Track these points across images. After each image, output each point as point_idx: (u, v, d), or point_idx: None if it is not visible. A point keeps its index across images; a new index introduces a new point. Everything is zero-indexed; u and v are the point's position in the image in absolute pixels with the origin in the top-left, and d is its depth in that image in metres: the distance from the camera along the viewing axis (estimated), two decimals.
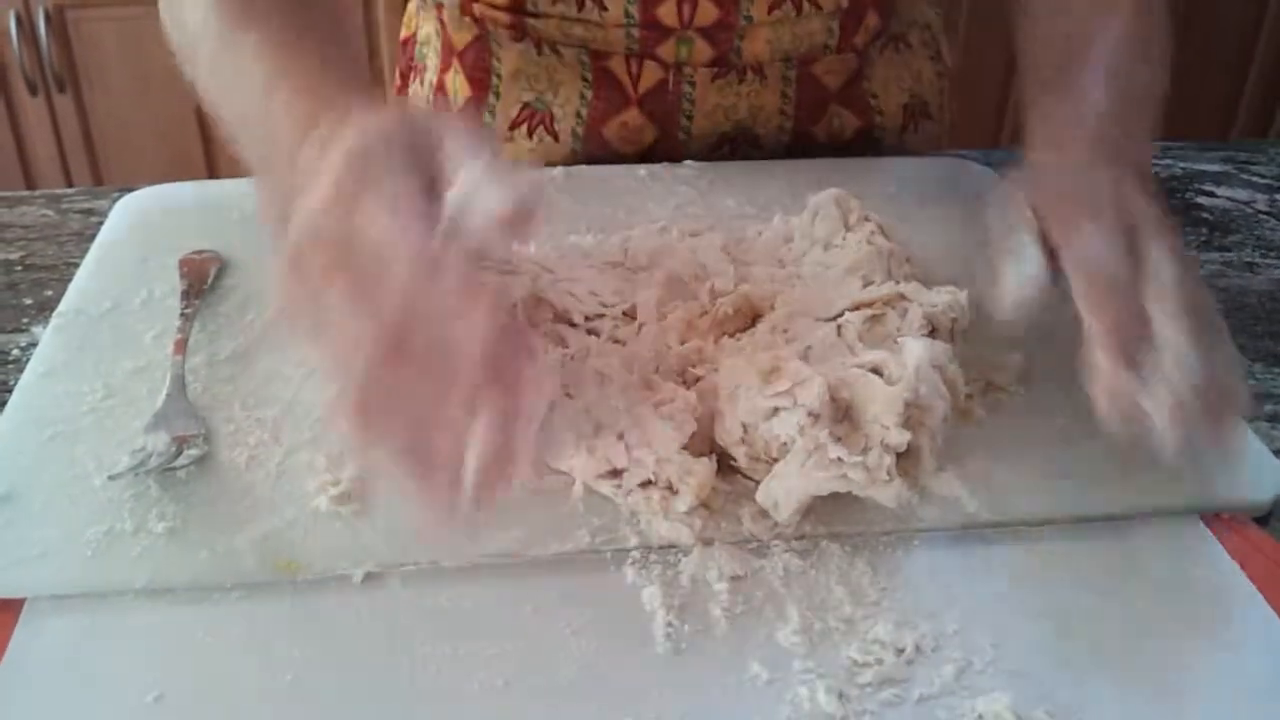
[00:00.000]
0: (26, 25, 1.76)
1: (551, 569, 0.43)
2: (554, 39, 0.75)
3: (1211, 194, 0.77)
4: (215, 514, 0.44)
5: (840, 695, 0.38)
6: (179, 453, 0.46)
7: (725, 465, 0.47)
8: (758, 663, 0.39)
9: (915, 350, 0.46)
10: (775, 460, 0.45)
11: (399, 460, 0.38)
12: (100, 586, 0.42)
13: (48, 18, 1.76)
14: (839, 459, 0.43)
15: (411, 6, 0.87)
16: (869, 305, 0.51)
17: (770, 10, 0.72)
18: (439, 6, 0.80)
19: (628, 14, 0.72)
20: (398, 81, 0.87)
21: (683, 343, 0.51)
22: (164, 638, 0.40)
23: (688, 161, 0.73)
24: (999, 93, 2.03)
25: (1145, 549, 0.45)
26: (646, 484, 0.45)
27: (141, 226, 0.66)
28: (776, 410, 0.45)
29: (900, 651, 0.40)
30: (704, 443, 0.47)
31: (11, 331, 0.59)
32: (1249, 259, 0.69)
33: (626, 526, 0.44)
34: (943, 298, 0.51)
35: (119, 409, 0.50)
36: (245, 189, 0.73)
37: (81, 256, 0.63)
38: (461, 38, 0.78)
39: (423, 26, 0.84)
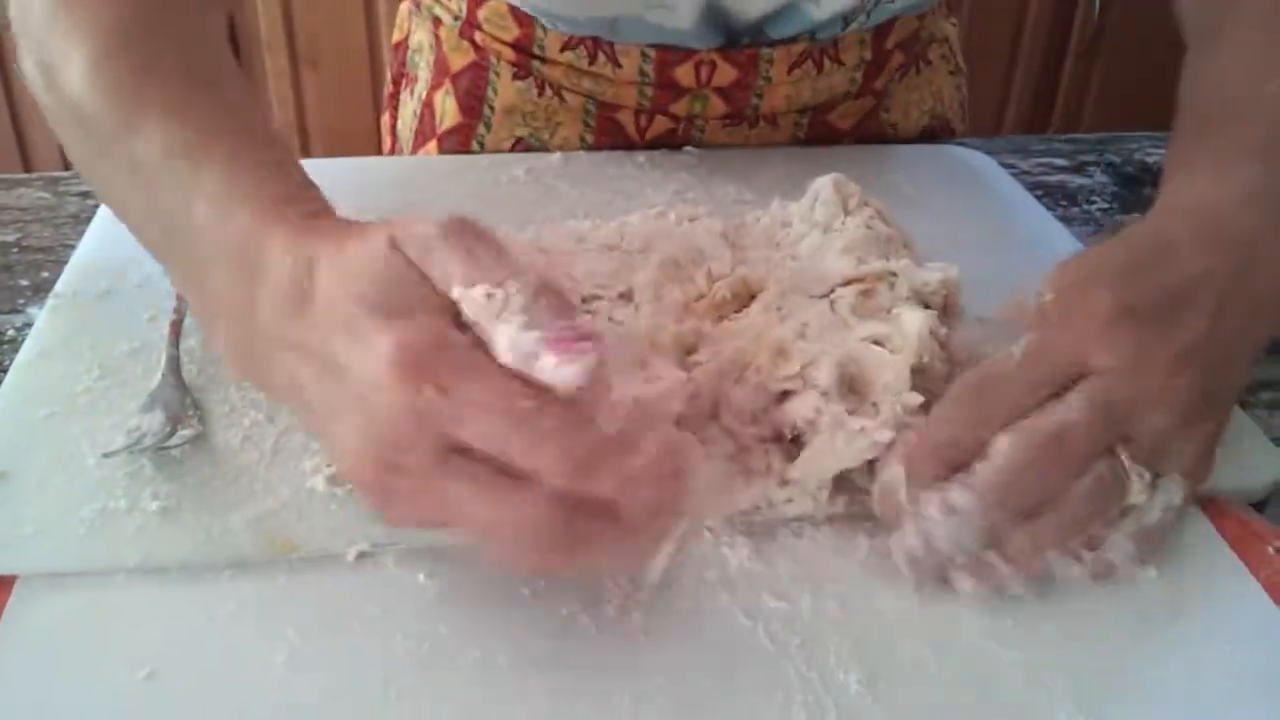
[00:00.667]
0: None
1: None
2: (559, 84, 0.72)
3: None
4: (209, 493, 0.44)
5: (868, 679, 0.38)
6: (173, 432, 0.46)
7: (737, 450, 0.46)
8: (768, 638, 0.39)
9: (915, 319, 0.46)
10: (791, 441, 0.45)
11: None
12: (93, 565, 0.41)
13: None
14: (862, 428, 0.43)
15: (404, 9, 0.84)
16: (860, 281, 0.51)
17: (790, 70, 0.70)
18: (436, 21, 0.76)
19: (642, 73, 0.69)
20: (390, 88, 0.85)
21: (679, 324, 0.51)
22: (157, 616, 0.40)
23: (687, 148, 0.73)
24: (1000, 81, 2.02)
25: None
26: None
27: None
28: (787, 394, 0.45)
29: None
30: (698, 423, 0.47)
31: (7, 313, 0.59)
32: None
33: None
34: (934, 275, 0.51)
35: (114, 389, 0.50)
36: None
37: (78, 239, 0.63)
38: (458, 60, 0.75)
39: (415, 33, 0.81)
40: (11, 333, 0.57)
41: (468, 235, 0.37)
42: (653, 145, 0.73)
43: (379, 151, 0.90)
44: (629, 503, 0.34)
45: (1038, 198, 0.71)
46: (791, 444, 0.46)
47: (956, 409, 0.41)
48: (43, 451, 0.46)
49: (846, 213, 0.58)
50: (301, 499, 0.44)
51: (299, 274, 0.37)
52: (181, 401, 0.48)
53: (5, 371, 0.52)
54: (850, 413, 0.44)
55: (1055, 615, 0.41)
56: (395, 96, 0.84)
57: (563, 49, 0.69)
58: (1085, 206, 0.74)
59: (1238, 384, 0.45)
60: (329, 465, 0.45)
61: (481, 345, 0.35)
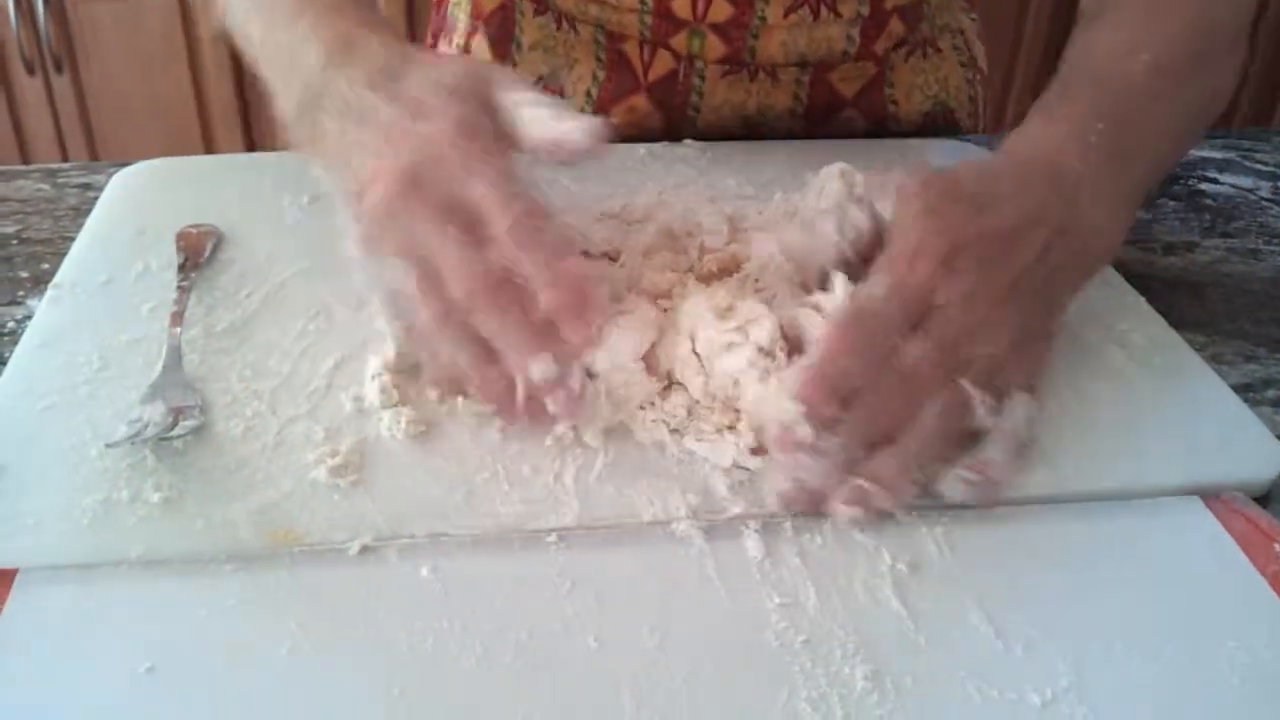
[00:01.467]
0: (24, 5, 1.75)
1: (551, 543, 0.43)
2: (572, 15, 0.75)
3: (1215, 181, 0.77)
4: (212, 484, 0.44)
5: (875, 674, 0.38)
6: (175, 423, 0.46)
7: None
8: (773, 635, 0.39)
9: (840, 281, 0.48)
10: (731, 397, 0.47)
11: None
12: (95, 557, 0.41)
13: None
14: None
15: None
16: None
17: (786, 14, 0.71)
18: None
19: (642, 1, 0.71)
20: (429, 40, 0.88)
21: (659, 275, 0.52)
22: (159, 609, 0.40)
23: (687, 140, 0.73)
24: (1003, 77, 2.02)
25: (1144, 529, 0.45)
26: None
27: (138, 200, 0.65)
28: (730, 345, 0.46)
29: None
30: (658, 369, 0.48)
31: (7, 304, 0.59)
32: (1252, 246, 0.69)
33: (630, 503, 0.44)
34: None
35: (115, 380, 0.50)
36: (242, 163, 0.72)
37: (78, 230, 0.62)
38: (488, 3, 0.79)
39: None
40: (11, 324, 0.57)
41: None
42: (657, 89, 0.74)
43: None
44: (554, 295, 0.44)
45: None
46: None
47: (844, 352, 0.45)
48: (44, 443, 0.46)
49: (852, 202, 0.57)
50: (304, 490, 0.44)
51: (393, 64, 0.49)
52: (183, 392, 0.48)
53: (5, 363, 0.51)
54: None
55: (1061, 613, 0.41)
56: (433, 48, 0.87)
57: None
58: None
59: (1059, 313, 0.51)
60: (331, 456, 0.45)
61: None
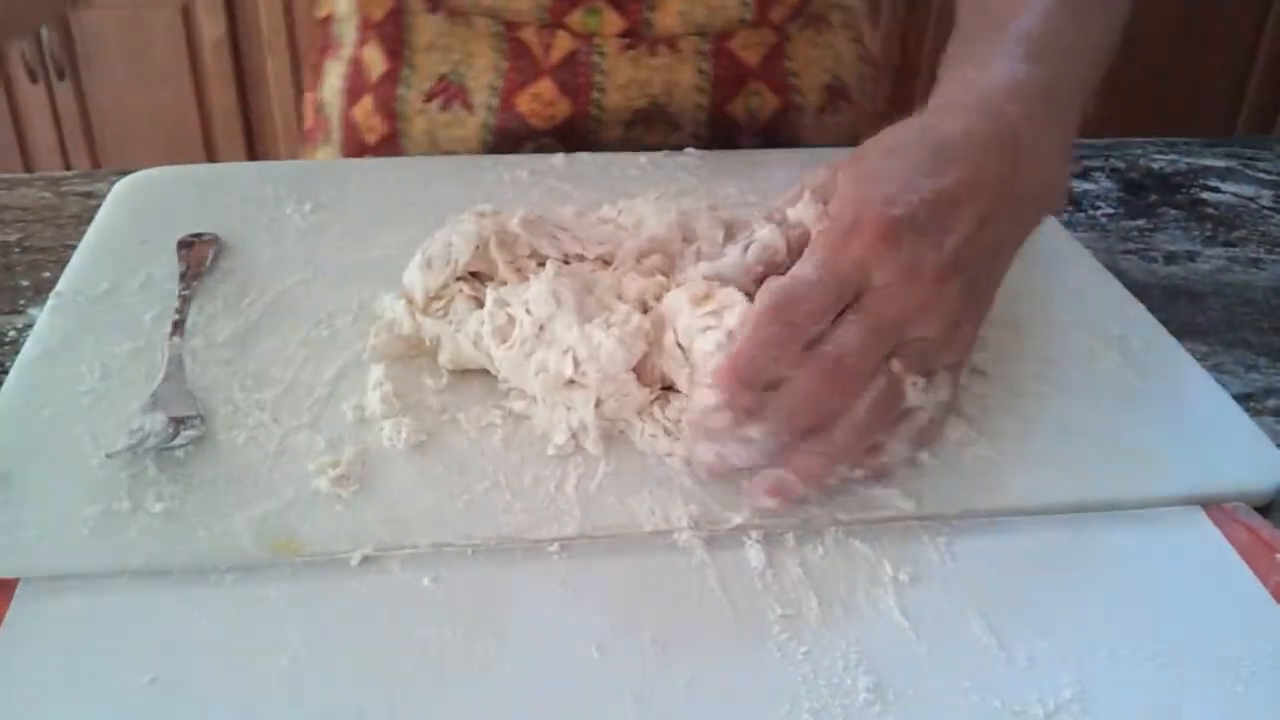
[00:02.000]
0: None
1: (553, 553, 0.43)
2: (466, 9, 0.74)
3: (1216, 190, 0.77)
4: (213, 494, 0.44)
5: (877, 685, 0.38)
6: (177, 433, 0.46)
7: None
8: (775, 646, 0.39)
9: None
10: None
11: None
12: (96, 567, 0.41)
13: None
14: None
15: None
16: None
17: None
18: None
19: None
20: (313, 58, 0.86)
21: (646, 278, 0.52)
22: (160, 620, 0.40)
23: (688, 150, 0.73)
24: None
25: (1146, 539, 0.45)
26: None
27: (140, 208, 0.65)
28: (706, 330, 0.46)
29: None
30: (651, 376, 0.48)
31: (8, 313, 0.59)
32: (1254, 255, 0.69)
33: (631, 513, 0.44)
34: None
35: (116, 390, 0.50)
36: (244, 172, 0.73)
37: (79, 239, 0.62)
38: (377, 9, 0.78)
39: (340, 3, 0.83)
40: (13, 333, 0.57)
41: None
42: (559, 72, 0.74)
43: (300, 132, 0.90)
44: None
45: None
46: None
47: (763, 337, 0.43)
48: (45, 453, 0.46)
49: None
50: (306, 499, 0.44)
51: None
52: (184, 402, 0.48)
53: (6, 372, 0.51)
54: None
55: (1063, 623, 0.41)
56: (318, 68, 0.85)
57: None
58: (1090, 212, 0.74)
59: (998, 280, 0.48)
60: (333, 466, 0.45)
61: None
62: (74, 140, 1.89)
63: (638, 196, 0.60)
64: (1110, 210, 0.74)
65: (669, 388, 0.49)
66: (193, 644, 0.39)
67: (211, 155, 1.91)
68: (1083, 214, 0.73)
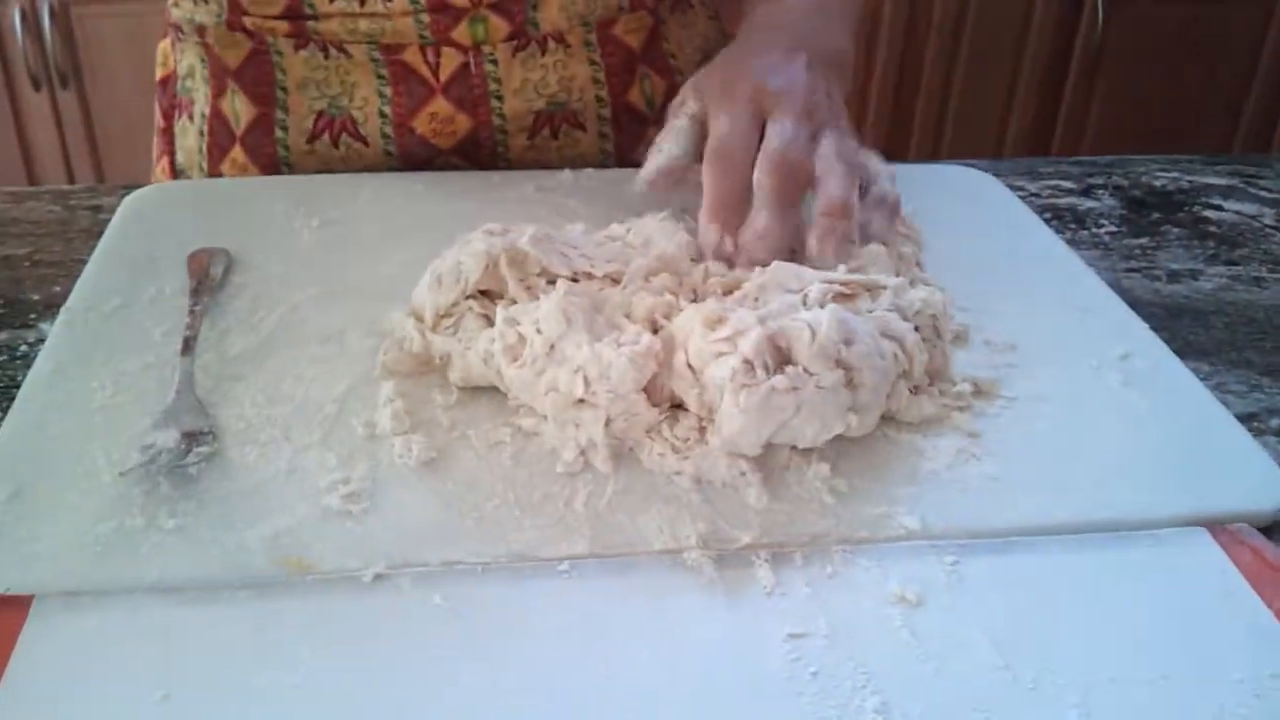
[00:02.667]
0: (31, 20, 1.76)
1: (563, 571, 0.43)
2: (339, 39, 0.72)
3: (1219, 208, 0.77)
4: (226, 511, 0.44)
5: (884, 705, 0.38)
6: (189, 449, 0.46)
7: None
8: (783, 667, 0.39)
9: (825, 313, 0.48)
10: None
11: None
12: (109, 584, 0.41)
13: (52, 13, 1.77)
14: (772, 388, 0.46)
15: (164, 44, 0.84)
16: (843, 285, 0.52)
17: None
18: (200, 30, 0.76)
19: (414, 0, 0.70)
20: (161, 122, 0.84)
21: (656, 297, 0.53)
22: (172, 637, 0.40)
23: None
24: (1003, 96, 2.03)
25: (1150, 560, 0.45)
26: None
27: (150, 223, 0.66)
28: (719, 355, 0.47)
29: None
30: (660, 395, 0.49)
31: (19, 328, 0.59)
32: (1256, 273, 0.69)
33: (640, 531, 0.44)
34: (919, 293, 0.53)
35: (128, 406, 0.50)
36: (254, 186, 0.73)
37: (89, 253, 0.63)
38: (235, 56, 0.75)
39: (182, 60, 0.80)
40: (24, 348, 0.57)
41: None
42: (453, 88, 0.74)
43: None
44: None
45: (1046, 220, 0.71)
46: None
47: (713, 184, 0.58)
48: (58, 469, 0.46)
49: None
50: (317, 516, 0.44)
51: None
52: (196, 418, 0.48)
53: (19, 387, 0.52)
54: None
55: (1069, 644, 0.41)
56: (168, 131, 0.82)
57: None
58: (1094, 229, 0.74)
59: (840, 94, 0.63)
60: (344, 483, 0.46)
61: None
62: (77, 148, 1.89)
63: (646, 214, 0.61)
64: (1113, 228, 0.74)
65: (678, 406, 0.49)
66: (205, 661, 0.39)
67: (213, 166, 1.91)
68: (1085, 232, 0.74)
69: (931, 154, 2.02)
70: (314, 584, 0.42)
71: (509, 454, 0.48)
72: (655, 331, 0.50)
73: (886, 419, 0.50)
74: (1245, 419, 0.53)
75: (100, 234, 0.65)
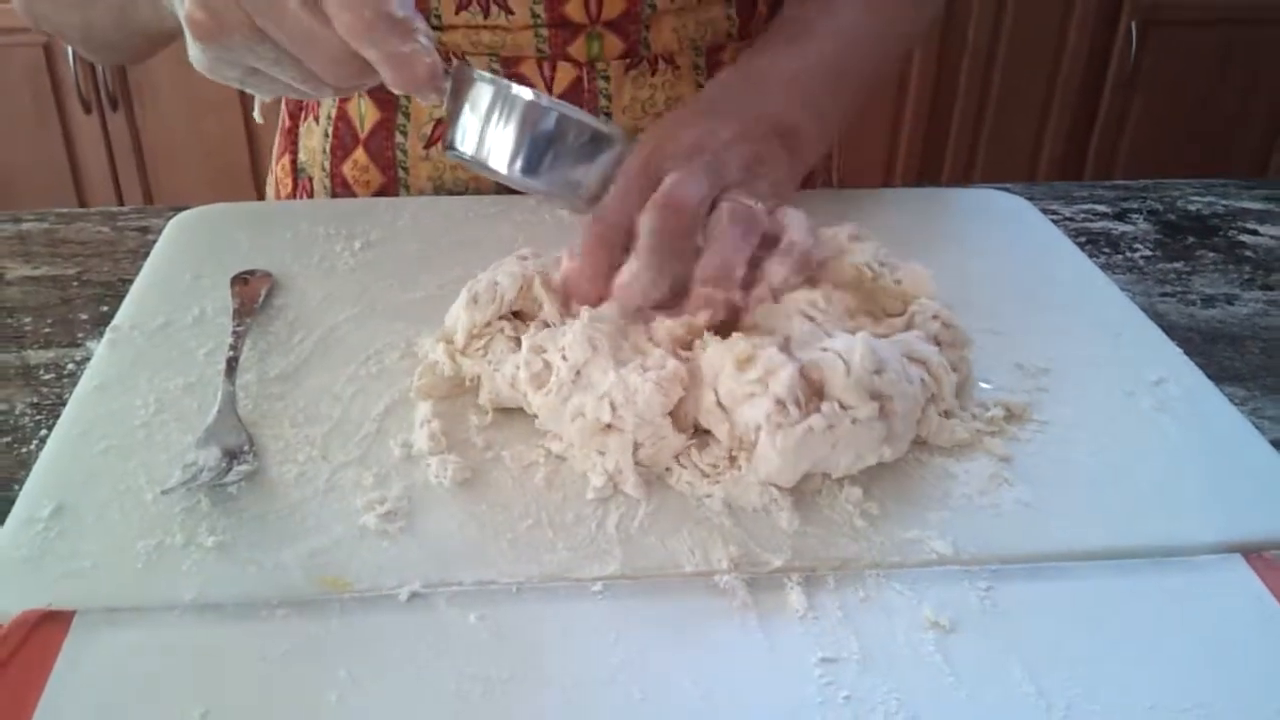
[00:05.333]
0: None
1: (596, 592, 0.43)
2: (462, 49, 0.75)
3: (1255, 232, 0.77)
4: (264, 529, 0.45)
5: None
6: (229, 468, 0.47)
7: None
8: (815, 690, 0.39)
9: (865, 337, 0.48)
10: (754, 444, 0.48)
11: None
12: (149, 600, 0.42)
13: None
14: (810, 428, 0.46)
15: None
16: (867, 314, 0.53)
17: None
18: None
19: (534, 14, 0.72)
20: (286, 122, 0.86)
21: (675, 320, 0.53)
22: (212, 654, 0.41)
23: None
24: (1036, 119, 2.02)
25: (1186, 587, 0.45)
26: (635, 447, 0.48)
27: (194, 245, 0.67)
28: (751, 396, 0.47)
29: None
30: (685, 421, 0.49)
31: (67, 346, 0.61)
32: None
33: (672, 553, 0.45)
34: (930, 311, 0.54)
35: (170, 424, 0.51)
36: (296, 209, 0.74)
37: (136, 273, 0.64)
38: None
39: None
40: (71, 366, 0.59)
41: None
42: (566, 100, 0.74)
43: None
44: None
45: (1080, 245, 0.71)
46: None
47: (588, 226, 0.54)
48: (100, 485, 0.47)
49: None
50: (354, 535, 0.45)
51: None
52: (237, 437, 0.49)
53: (64, 404, 0.53)
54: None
55: (1102, 672, 0.41)
56: (293, 132, 0.85)
57: (458, 10, 0.73)
58: (1128, 254, 0.74)
59: (792, 177, 0.63)
60: (380, 503, 0.46)
61: None
62: (126, 171, 1.93)
63: None
64: (1148, 252, 0.74)
65: (705, 431, 0.50)
66: (244, 678, 0.40)
67: (260, 185, 1.94)
68: (1120, 256, 0.73)
69: (964, 178, 2.02)
70: (351, 602, 0.42)
71: (542, 475, 0.49)
72: (682, 352, 0.51)
73: (919, 443, 0.51)
74: None
75: (147, 255, 0.66)
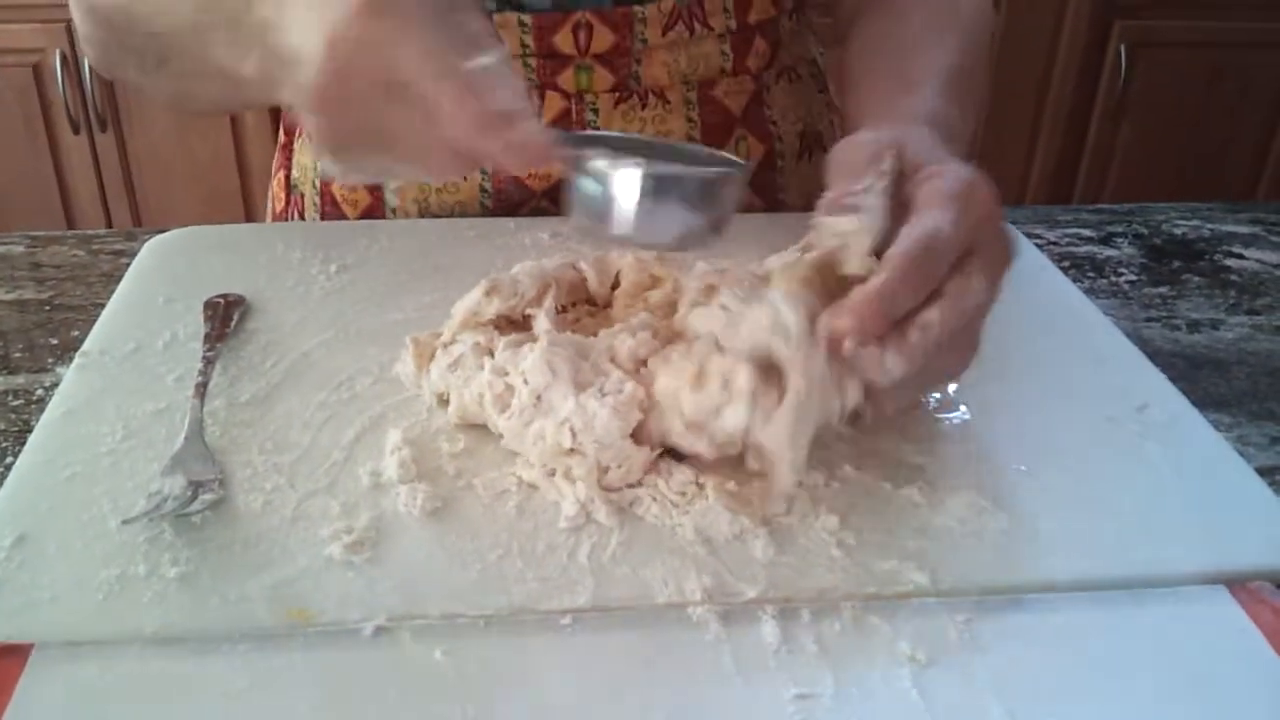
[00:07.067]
0: (71, 64, 1.80)
1: (565, 625, 0.42)
2: None
3: (1240, 256, 0.77)
4: (228, 560, 0.44)
5: None
6: (194, 497, 0.46)
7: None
8: None
9: (776, 293, 0.48)
10: (744, 449, 0.48)
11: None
12: (109, 634, 0.41)
13: None
14: (795, 398, 0.46)
15: None
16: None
17: (664, 32, 0.73)
18: None
19: (523, 44, 0.72)
20: (283, 139, 0.87)
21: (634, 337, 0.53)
22: (172, 689, 0.40)
23: None
24: (1025, 144, 2.03)
25: (1168, 618, 0.44)
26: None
27: (167, 268, 0.66)
28: (719, 409, 0.47)
29: None
30: (651, 438, 0.49)
31: (36, 371, 0.60)
32: (1278, 323, 0.68)
33: (644, 584, 0.44)
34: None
35: (138, 450, 0.50)
36: (273, 232, 0.74)
37: (109, 297, 0.63)
38: None
39: None
40: (40, 391, 0.58)
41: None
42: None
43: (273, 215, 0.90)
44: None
45: (1064, 269, 0.71)
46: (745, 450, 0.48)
47: (902, 280, 0.46)
48: (64, 514, 0.46)
49: None
50: (319, 566, 0.44)
51: None
52: (203, 465, 0.49)
53: (31, 431, 0.52)
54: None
55: (1083, 707, 0.40)
56: (288, 148, 0.86)
57: None
58: (1113, 278, 0.73)
59: None
60: (347, 532, 0.45)
61: None
62: (115, 191, 1.92)
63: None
64: (1133, 277, 0.73)
65: (669, 451, 0.49)
66: (205, 713, 0.39)
67: (249, 209, 1.94)
68: (1105, 280, 0.73)
69: None
70: (315, 636, 0.41)
71: (514, 504, 0.48)
72: (640, 369, 0.51)
73: (895, 465, 0.50)
74: (1266, 472, 0.52)
75: (121, 279, 0.65)
